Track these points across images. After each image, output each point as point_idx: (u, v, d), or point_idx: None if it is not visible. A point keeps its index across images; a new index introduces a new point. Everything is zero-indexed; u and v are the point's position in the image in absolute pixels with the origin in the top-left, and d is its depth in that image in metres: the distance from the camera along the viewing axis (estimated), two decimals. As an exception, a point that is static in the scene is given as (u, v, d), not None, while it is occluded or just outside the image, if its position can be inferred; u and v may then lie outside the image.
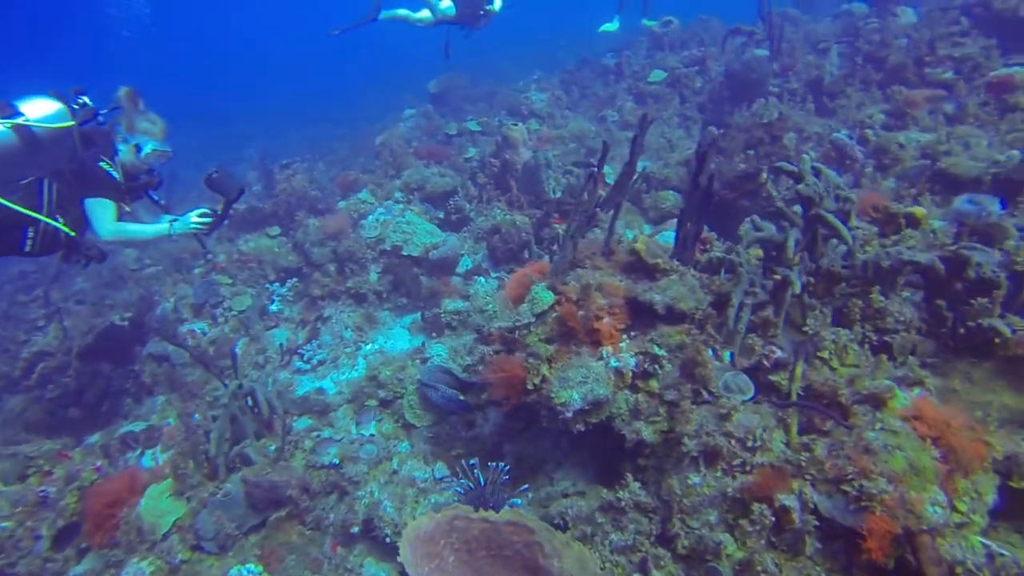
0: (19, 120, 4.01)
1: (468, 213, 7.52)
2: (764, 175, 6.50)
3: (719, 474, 3.33)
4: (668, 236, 4.78)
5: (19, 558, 4.69)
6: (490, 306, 6.17)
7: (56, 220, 4.23)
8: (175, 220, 4.50)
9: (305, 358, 6.38)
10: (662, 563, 3.28)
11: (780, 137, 6.83)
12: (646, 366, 3.83)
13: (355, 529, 4.38)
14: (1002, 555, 2.95)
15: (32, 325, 8.61)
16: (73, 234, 4.32)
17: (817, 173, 3.99)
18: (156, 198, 4.80)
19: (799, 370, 3.57)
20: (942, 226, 4.72)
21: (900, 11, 9.54)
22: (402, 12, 8.10)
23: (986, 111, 6.65)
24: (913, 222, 4.31)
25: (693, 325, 3.90)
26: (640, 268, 4.25)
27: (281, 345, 6.54)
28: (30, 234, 4.18)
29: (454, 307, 6.29)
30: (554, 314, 4.14)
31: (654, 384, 3.81)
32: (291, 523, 4.62)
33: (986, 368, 3.56)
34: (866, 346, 3.81)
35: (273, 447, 5.03)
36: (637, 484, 3.57)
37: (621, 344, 3.93)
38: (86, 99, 4.38)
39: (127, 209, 4.51)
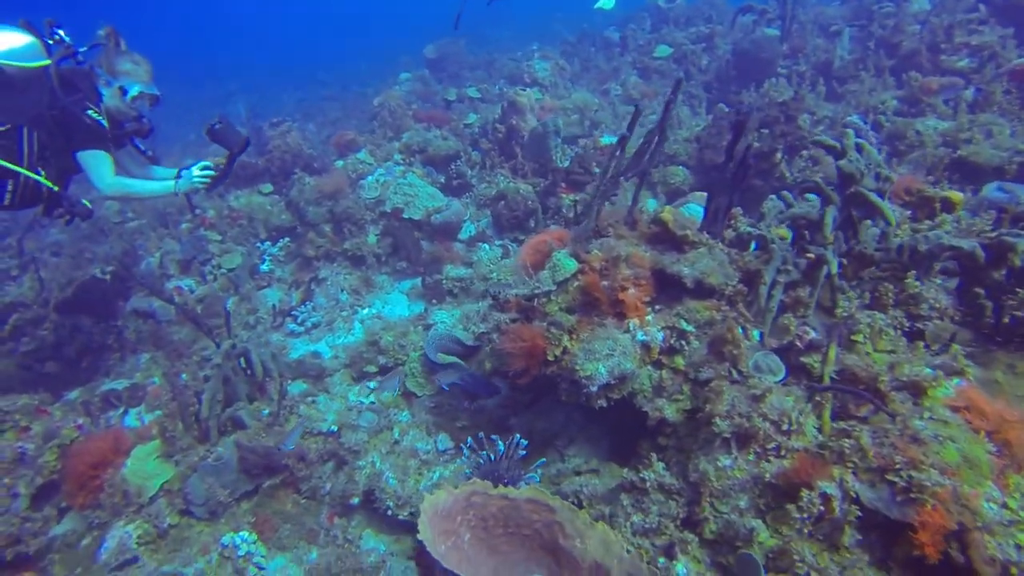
0: None
1: (470, 179, 7.18)
2: (779, 155, 6.27)
3: (752, 457, 3.12)
4: (691, 208, 4.53)
5: (-5, 516, 4.37)
6: (495, 274, 5.90)
7: (38, 173, 3.82)
8: (179, 177, 4.11)
9: (299, 320, 6.04)
10: (689, 548, 3.07)
11: (795, 117, 6.58)
12: (672, 341, 3.59)
13: (355, 500, 4.12)
14: None
15: (3, 275, 8.09)
16: (56, 188, 3.92)
17: (859, 149, 3.74)
18: (143, 148, 4.39)
19: (833, 352, 3.37)
20: (964, 215, 4.54)
21: (913, -3, 9.30)
22: None
23: (1008, 99, 6.46)
24: (948, 207, 4.11)
25: (723, 301, 3.67)
26: (666, 239, 3.99)
27: (274, 306, 6.18)
28: (9, 187, 3.78)
29: (456, 274, 5.99)
30: (576, 283, 3.88)
31: (679, 361, 3.58)
32: (285, 491, 4.35)
33: (1030, 360, 3.39)
34: (898, 332, 3.62)
35: (267, 411, 4.73)
36: (661, 464, 3.36)
37: (647, 317, 3.69)
38: (62, 33, 3.92)
39: None
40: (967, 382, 3.21)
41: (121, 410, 5.53)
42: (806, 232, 3.93)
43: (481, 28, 16.98)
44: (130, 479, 4.28)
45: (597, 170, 6.58)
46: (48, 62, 3.79)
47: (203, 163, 4.14)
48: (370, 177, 7.02)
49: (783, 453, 3.07)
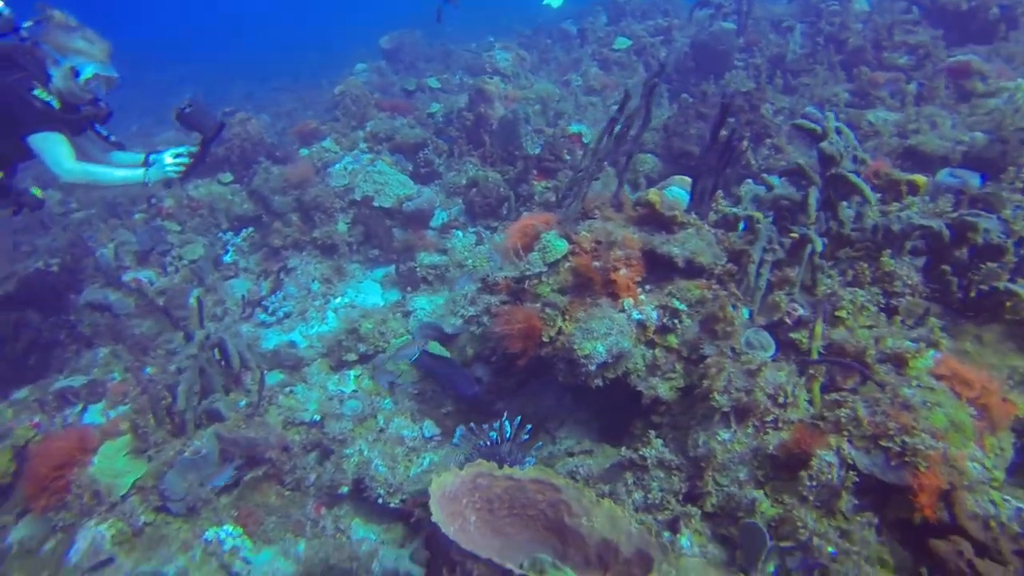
0: None
1: (437, 167, 7.04)
2: (745, 143, 6.41)
3: (750, 430, 3.16)
4: (674, 191, 4.56)
5: (-57, 524, 4.01)
6: (470, 260, 5.81)
7: None
8: (147, 164, 3.80)
9: (270, 310, 5.80)
10: (692, 522, 3.09)
11: (759, 106, 6.74)
12: (665, 320, 3.61)
13: (344, 489, 3.97)
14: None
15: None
16: None
17: (838, 132, 3.84)
18: (105, 133, 4.07)
19: (819, 328, 3.45)
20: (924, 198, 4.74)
21: (854, -3, 9.67)
22: None
23: (947, 94, 6.79)
24: (914, 189, 4.27)
25: (712, 280, 3.70)
26: (653, 220, 4.01)
27: (243, 296, 5.91)
28: None
29: (430, 261, 5.87)
30: (568, 264, 3.84)
31: (672, 339, 3.60)
32: (268, 483, 4.16)
33: (995, 331, 3.55)
34: (876, 308, 3.74)
35: (243, 402, 4.51)
36: (660, 441, 3.36)
37: (641, 297, 3.69)
38: (1, 4, 3.59)
39: None
40: (942, 353, 3.35)
41: (79, 407, 5.17)
42: (786, 213, 4.01)
43: (435, 21, 16.75)
44: (99, 477, 4.00)
45: (568, 157, 6.57)
46: None
47: (176, 149, 3.86)
48: (337, 165, 6.79)
49: (780, 425, 3.12)
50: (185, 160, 3.79)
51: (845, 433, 2.98)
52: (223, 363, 4.57)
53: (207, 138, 3.78)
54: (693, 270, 3.74)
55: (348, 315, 5.34)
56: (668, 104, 8.58)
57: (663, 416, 3.57)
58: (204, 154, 3.82)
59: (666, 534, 3.09)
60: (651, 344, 3.61)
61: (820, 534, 2.82)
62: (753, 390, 3.17)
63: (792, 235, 3.80)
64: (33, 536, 3.97)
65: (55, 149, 3.56)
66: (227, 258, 6.58)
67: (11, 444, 4.40)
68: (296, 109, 12.46)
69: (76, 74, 3.63)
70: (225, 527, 3.78)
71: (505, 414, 3.77)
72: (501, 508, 3.12)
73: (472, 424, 3.77)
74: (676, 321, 3.58)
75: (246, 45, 25.83)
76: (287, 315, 5.77)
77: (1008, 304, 3.50)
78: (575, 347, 3.44)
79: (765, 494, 3.04)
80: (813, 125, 3.85)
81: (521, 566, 3.03)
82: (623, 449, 3.48)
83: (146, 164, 3.87)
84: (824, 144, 3.73)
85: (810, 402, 3.25)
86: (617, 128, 4.02)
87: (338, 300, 5.90)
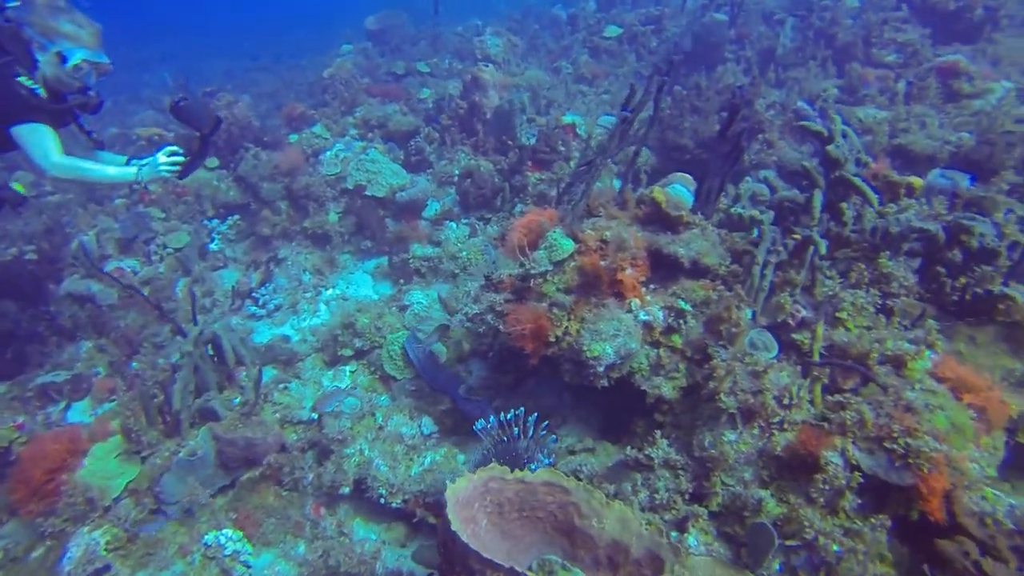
0: None
1: (428, 155, 6.97)
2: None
3: (756, 431, 3.22)
4: (676, 189, 4.58)
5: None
6: (464, 252, 5.78)
7: None
8: (142, 164, 3.66)
9: (260, 302, 5.71)
10: (699, 521, 3.15)
11: (752, 101, 6.78)
12: (670, 321, 3.65)
13: (345, 489, 3.95)
14: (1017, 505, 3.06)
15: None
16: None
17: (844, 136, 3.89)
18: (89, 129, 3.90)
19: (820, 329, 3.52)
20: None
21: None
22: None
23: (935, 93, 6.92)
24: (911, 191, 4.35)
25: (717, 281, 3.75)
26: (657, 220, 4.03)
27: (233, 288, 5.81)
28: None
29: (424, 253, 5.83)
30: (574, 263, 3.85)
31: (677, 340, 3.64)
32: (266, 484, 4.12)
33: (988, 332, 3.66)
34: (875, 310, 3.82)
35: (238, 399, 4.45)
36: (665, 441, 3.41)
37: (647, 297, 3.72)
38: None
39: None
40: (940, 355, 3.45)
41: (62, 404, 5.05)
42: (789, 214, 4.06)
43: (421, 2, 16.48)
44: (90, 481, 3.92)
45: (562, 148, 6.55)
46: None
47: (169, 148, 3.71)
48: (328, 152, 6.68)
49: (786, 427, 3.19)
50: (180, 159, 3.65)
51: (850, 435, 3.05)
52: (217, 359, 4.50)
53: (203, 135, 3.64)
54: (698, 270, 3.78)
55: (343, 308, 5.29)
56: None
57: (666, 415, 3.61)
58: (203, 152, 3.68)
59: (674, 534, 3.15)
60: (656, 344, 3.65)
61: (826, 533, 2.89)
62: (760, 392, 3.22)
63: (795, 236, 3.85)
64: (17, 543, 3.87)
65: (42, 142, 3.39)
66: (213, 246, 6.45)
67: (-7, 444, 4.29)
68: (278, 90, 12.18)
69: (63, 60, 3.45)
70: (225, 531, 3.74)
71: (521, 410, 3.76)
72: (511, 511, 3.14)
73: (493, 418, 3.75)
74: (681, 321, 3.62)
75: (224, 21, 25.13)
76: (278, 307, 5.69)
77: (1001, 307, 3.61)
78: (584, 348, 3.46)
79: (771, 494, 3.11)
80: (820, 128, 3.88)
81: (530, 568, 3.08)
82: (628, 449, 3.52)
83: (131, 163, 3.71)
84: (831, 148, 3.77)
85: (811, 403, 3.33)
86: (627, 127, 4.02)
87: (329, 292, 5.83)
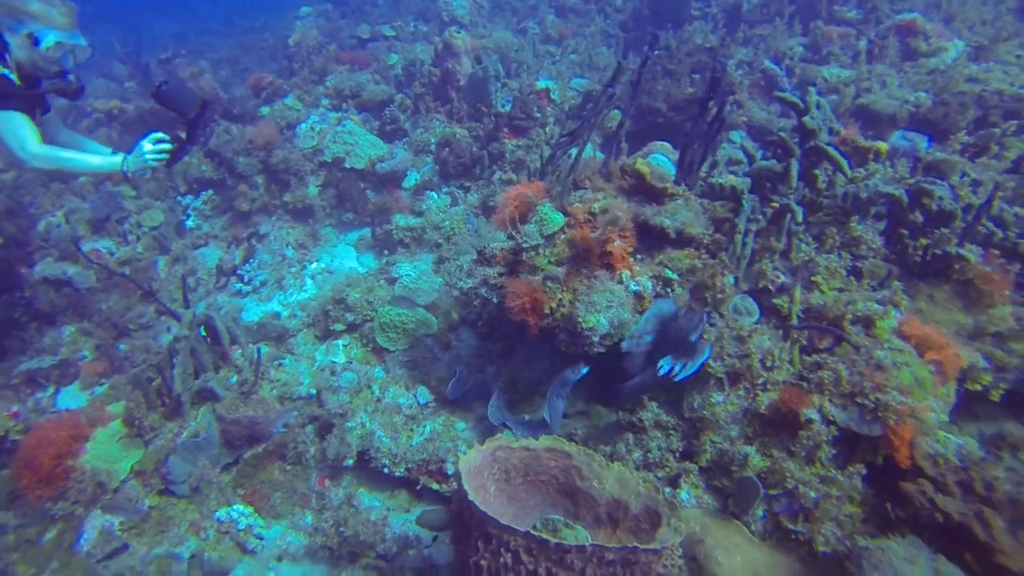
0: None
1: (403, 124, 6.89)
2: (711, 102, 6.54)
3: (742, 393, 3.44)
4: (658, 159, 4.69)
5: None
6: (447, 223, 5.82)
7: None
8: (126, 153, 3.53)
9: (245, 279, 5.67)
10: (690, 476, 3.39)
11: (724, 63, 6.85)
12: (659, 289, 3.81)
13: (349, 461, 4.08)
14: (963, 444, 3.38)
15: None
16: None
17: (818, 107, 4.02)
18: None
19: (798, 293, 3.73)
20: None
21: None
22: None
23: (895, 52, 7.10)
24: (878, 156, 4.55)
25: (701, 250, 3.90)
26: (642, 191, 4.13)
27: (218, 266, 5.74)
28: None
29: (406, 223, 5.84)
30: (564, 236, 3.95)
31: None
32: (270, 459, 4.21)
33: (945, 290, 3.92)
34: (844, 271, 4.04)
35: (234, 378, 4.48)
36: (654, 404, 3.62)
37: (635, 267, 3.86)
38: None
39: None
40: (904, 314, 3.70)
41: (51, 390, 5.01)
42: (767, 182, 4.21)
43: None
44: (97, 464, 3.95)
45: (538, 115, 6.55)
46: None
47: (155, 134, 3.56)
48: (303, 125, 6.54)
49: (769, 387, 3.42)
50: (166, 146, 3.54)
51: (826, 392, 3.29)
52: (211, 340, 4.51)
53: (190, 120, 3.50)
54: (683, 240, 3.92)
55: (331, 282, 5.30)
56: (621, 54, 8.55)
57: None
58: (193, 137, 3.54)
59: (667, 489, 3.39)
60: (644, 312, 3.81)
61: (805, 482, 3.15)
62: (746, 356, 3.43)
63: (773, 205, 4.01)
64: (21, 526, 3.92)
65: (19, 131, 3.25)
66: (189, 223, 6.33)
67: (-12, 432, 4.27)
68: (236, 56, 11.69)
69: (36, 42, 3.32)
70: (236, 506, 3.84)
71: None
72: (516, 476, 3.31)
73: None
74: (669, 290, 3.78)
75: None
76: (263, 283, 5.67)
77: (956, 266, 3.86)
78: (579, 319, 3.59)
79: (755, 449, 3.35)
80: (795, 99, 4.00)
81: (534, 527, 3.28)
82: (620, 412, 3.73)
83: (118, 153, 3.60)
84: (806, 119, 3.90)
85: (791, 363, 3.56)
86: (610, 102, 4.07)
87: (314, 266, 5.82)
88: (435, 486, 4.06)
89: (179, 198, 6.47)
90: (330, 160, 6.17)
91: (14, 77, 3.28)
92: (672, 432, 3.54)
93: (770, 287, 3.78)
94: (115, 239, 6.02)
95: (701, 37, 8.16)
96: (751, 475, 3.22)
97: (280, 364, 4.75)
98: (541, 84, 6.71)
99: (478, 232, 5.39)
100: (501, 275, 4.01)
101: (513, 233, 4.01)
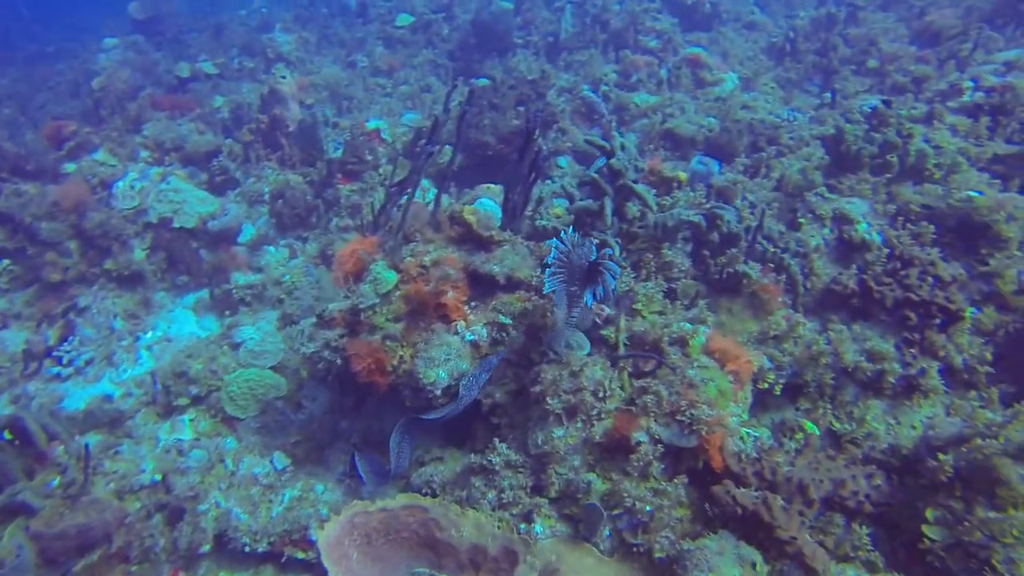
0: None
1: (234, 173, 6.52)
2: (536, 133, 6.84)
3: (579, 425, 3.66)
4: (485, 204, 4.84)
5: None
6: (287, 277, 5.61)
7: None
8: None
9: (63, 361, 5.07)
10: (542, 510, 3.55)
11: (544, 94, 7.21)
12: (494, 334, 3.95)
13: (205, 547, 3.81)
14: (759, 437, 3.87)
15: None
16: None
17: (623, 148, 4.36)
18: None
19: (622, 322, 4.04)
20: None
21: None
22: None
23: (688, 81, 7.87)
24: (680, 184, 5.03)
25: (531, 292, 4.09)
26: (470, 239, 4.26)
27: (25, 350, 5.07)
28: None
29: (246, 281, 5.56)
30: (399, 292, 3.98)
31: (502, 350, 3.96)
32: (109, 566, 3.81)
33: (739, 303, 4.44)
34: (662, 295, 4.42)
35: (56, 481, 4.00)
36: (504, 445, 3.74)
37: (470, 316, 3.97)
38: None
39: None
40: (711, 329, 4.14)
41: None
42: (587, 220, 4.50)
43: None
44: None
45: (369, 157, 6.48)
46: None
47: None
48: (120, 183, 5.95)
49: (602, 416, 3.66)
50: None
51: (651, 414, 3.60)
52: (20, 443, 3.99)
53: None
54: (513, 284, 4.09)
55: (170, 353, 4.90)
56: (451, 83, 8.69)
57: (501, 417, 3.94)
58: None
59: (522, 525, 3.53)
60: (486, 356, 3.93)
61: (640, 498, 3.43)
62: (579, 390, 3.65)
63: (593, 239, 4.30)
64: None
65: None
66: (-19, 303, 5.54)
67: None
68: (23, 93, 10.22)
69: None
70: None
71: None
72: (379, 538, 3.32)
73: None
74: (504, 334, 3.93)
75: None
76: (88, 362, 5.10)
77: (745, 281, 4.38)
78: (420, 375, 3.65)
79: (596, 475, 3.59)
80: (603, 143, 4.33)
81: (402, 584, 3.29)
82: (472, 455, 3.82)
83: None
84: (613, 161, 4.23)
85: (621, 388, 3.84)
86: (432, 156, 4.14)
87: (149, 335, 5.35)
88: (300, 555, 3.91)
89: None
90: (156, 220, 5.69)
91: None
92: (521, 470, 3.69)
93: (597, 320, 4.05)
94: None
95: (525, 66, 8.51)
96: (594, 501, 3.45)
97: (117, 452, 4.32)
98: (372, 124, 6.65)
99: (319, 284, 5.26)
100: (342, 336, 3.96)
101: (349, 294, 3.98)
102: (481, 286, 4.10)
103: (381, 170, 6.16)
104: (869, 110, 5.52)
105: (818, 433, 3.91)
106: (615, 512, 3.48)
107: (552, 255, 3.28)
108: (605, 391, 3.70)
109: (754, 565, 3.08)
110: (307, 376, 4.83)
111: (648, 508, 3.41)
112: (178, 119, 6.99)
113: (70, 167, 6.27)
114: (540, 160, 4.19)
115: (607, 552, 3.46)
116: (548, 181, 6.03)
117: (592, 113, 7.60)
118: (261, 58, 9.25)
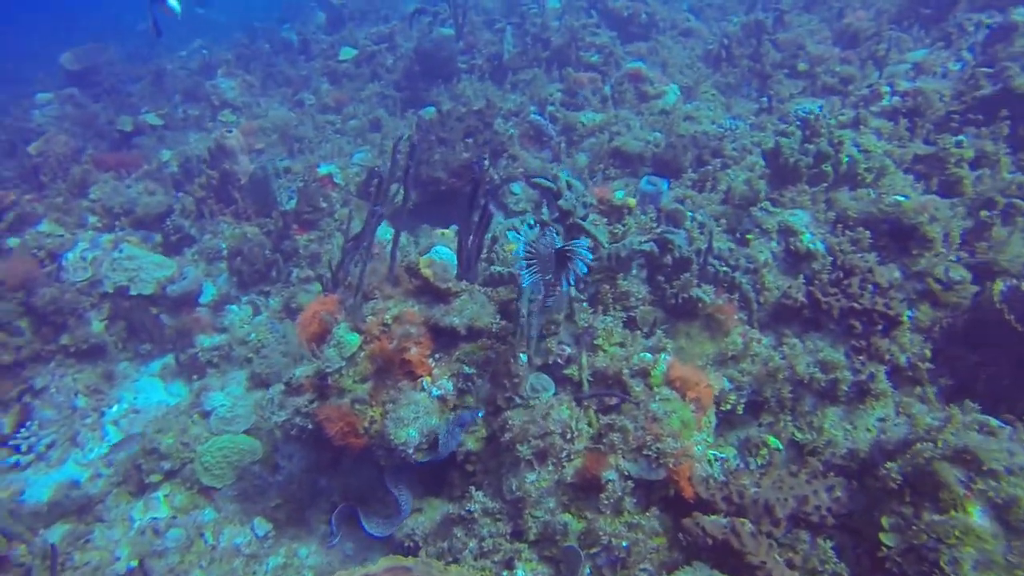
0: None
1: (189, 231, 6.42)
2: (486, 161, 6.89)
3: (551, 468, 3.73)
4: (441, 252, 4.86)
5: None
6: (253, 335, 5.56)
7: None
8: None
9: (22, 448, 4.92)
10: (523, 554, 3.61)
11: (491, 123, 7.25)
12: (460, 385, 3.99)
13: (190, 634, 3.77)
14: (725, 459, 3.99)
15: None
16: None
17: (569, 187, 4.43)
18: None
19: (584, 360, 4.12)
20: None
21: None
22: None
23: (632, 97, 8.00)
24: (630, 210, 5.13)
25: (492, 339, 4.14)
26: (429, 291, 4.29)
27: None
28: None
29: (211, 343, 5.49)
30: (363, 353, 3.99)
31: (470, 400, 4.01)
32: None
33: (696, 326, 4.56)
34: (621, 325, 4.51)
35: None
36: (480, 493, 3.79)
37: (435, 371, 4.00)
38: None
39: None
40: (670, 355, 4.24)
41: None
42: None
43: (127, 24, 14.30)
44: None
45: (324, 204, 6.43)
46: None
47: None
48: (70, 254, 5.80)
49: (572, 457, 3.74)
50: None
51: (619, 451, 3.69)
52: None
53: None
54: (474, 333, 4.13)
55: (139, 427, 4.81)
56: (400, 113, 8.69)
57: (475, 464, 3.99)
58: None
59: (505, 573, 3.58)
60: (454, 408, 3.97)
61: (615, 534, 3.51)
62: (547, 434, 3.71)
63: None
64: None
65: None
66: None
67: None
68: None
69: None
70: None
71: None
72: (362, 607, 3.32)
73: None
74: (470, 384, 3.98)
75: None
76: (49, 446, 4.97)
77: (700, 305, 4.50)
78: (391, 436, 3.67)
79: (571, 515, 3.66)
80: (550, 184, 4.39)
81: (390, 648, 3.31)
82: (451, 505, 3.85)
83: None
84: (561, 202, 4.30)
85: (589, 424, 3.92)
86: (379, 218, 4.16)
87: (115, 409, 5.24)
88: (288, 625, 3.91)
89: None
90: (112, 290, 5.57)
91: None
92: (499, 516, 3.74)
93: (559, 360, 4.12)
94: None
95: (471, 91, 8.54)
96: (571, 542, 3.52)
97: (87, 541, 4.23)
98: (323, 170, 6.62)
99: (286, 339, 5.22)
100: (312, 402, 3.96)
101: (313, 359, 3.98)
102: (443, 337, 4.13)
103: (337, 215, 6.13)
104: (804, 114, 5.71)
105: (781, 448, 4.04)
106: (593, 551, 3.55)
107: (520, 249, 3.36)
108: (572, 432, 3.77)
109: (728, 593, 3.18)
110: (282, 436, 4.80)
111: (624, 543, 3.49)
112: (125, 179, 6.83)
113: (13, 241, 6.07)
114: (488, 211, 4.22)
115: (590, 590, 3.53)
116: (501, 215, 6.07)
117: (541, 135, 7.67)
118: (206, 104, 9.09)
